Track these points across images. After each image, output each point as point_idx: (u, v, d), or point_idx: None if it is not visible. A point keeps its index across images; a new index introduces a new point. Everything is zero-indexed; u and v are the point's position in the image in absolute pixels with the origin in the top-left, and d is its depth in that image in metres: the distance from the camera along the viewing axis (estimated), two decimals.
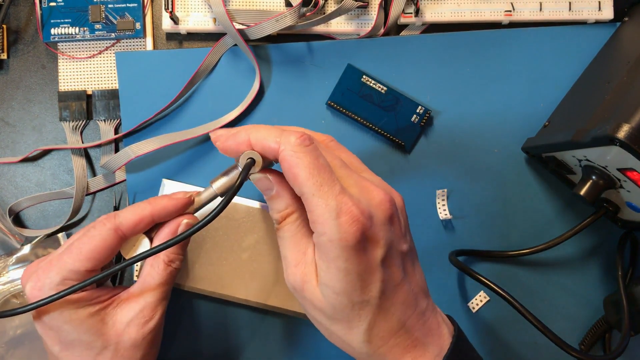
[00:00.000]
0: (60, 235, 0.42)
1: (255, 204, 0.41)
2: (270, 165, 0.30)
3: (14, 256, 0.41)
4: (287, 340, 0.42)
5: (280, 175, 0.29)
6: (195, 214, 0.34)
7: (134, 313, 0.32)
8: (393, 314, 0.28)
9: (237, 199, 0.40)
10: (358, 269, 0.26)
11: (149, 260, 0.32)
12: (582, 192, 0.37)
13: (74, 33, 0.42)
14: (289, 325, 0.42)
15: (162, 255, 0.32)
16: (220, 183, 0.31)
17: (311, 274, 0.28)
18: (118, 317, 0.32)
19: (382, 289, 0.27)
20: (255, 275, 0.40)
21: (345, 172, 0.28)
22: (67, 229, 0.43)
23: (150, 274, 0.32)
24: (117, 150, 0.43)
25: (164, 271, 0.32)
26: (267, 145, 0.28)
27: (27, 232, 0.42)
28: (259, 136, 0.28)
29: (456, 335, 0.30)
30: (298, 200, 0.29)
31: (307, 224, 0.29)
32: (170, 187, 0.41)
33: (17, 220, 0.43)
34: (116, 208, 0.43)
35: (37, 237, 0.42)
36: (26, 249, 0.41)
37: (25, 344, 0.41)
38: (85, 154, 0.43)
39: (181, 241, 0.30)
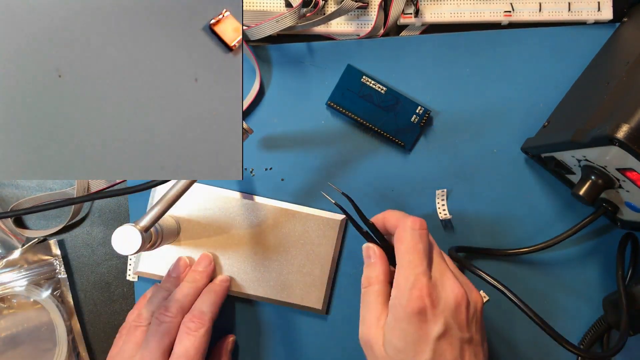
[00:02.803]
0: (52, 242, 0.42)
1: (274, 202, 0.42)
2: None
3: (4, 260, 0.41)
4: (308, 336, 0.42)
5: (382, 251, 0.36)
6: None
7: None
8: None
9: (257, 198, 0.42)
10: (415, 335, 0.32)
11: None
12: (581, 192, 0.37)
13: None
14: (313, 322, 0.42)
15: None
16: None
17: (379, 337, 0.33)
18: None
19: (433, 359, 0.32)
20: (275, 272, 0.41)
21: (440, 261, 0.34)
22: (69, 229, 0.43)
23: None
24: None
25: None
26: (392, 222, 0.36)
27: (28, 233, 0.42)
28: (390, 215, 0.36)
29: None
30: (387, 276, 0.35)
31: (386, 297, 0.35)
32: (201, 189, 0.42)
33: (18, 220, 0.43)
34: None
35: (37, 237, 0.42)
36: (16, 253, 0.41)
37: (12, 346, 0.41)
38: None
39: None
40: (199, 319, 0.36)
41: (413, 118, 0.42)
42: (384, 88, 0.42)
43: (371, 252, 0.36)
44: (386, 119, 0.42)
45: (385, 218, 0.37)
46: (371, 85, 0.42)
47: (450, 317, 0.32)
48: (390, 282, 0.35)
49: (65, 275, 0.42)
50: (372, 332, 0.34)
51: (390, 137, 0.42)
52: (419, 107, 0.42)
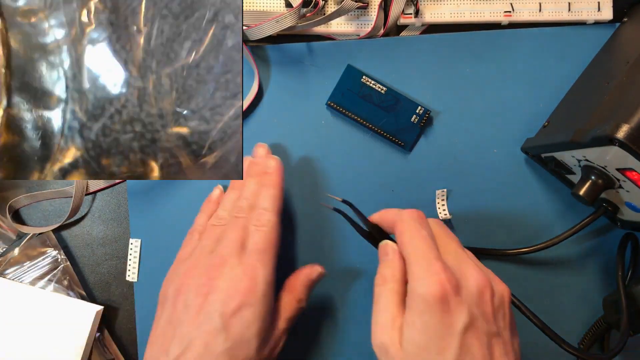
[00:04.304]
0: (49, 233, 0.42)
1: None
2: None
3: (6, 260, 0.41)
4: None
5: (399, 249, 0.33)
6: None
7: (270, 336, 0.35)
8: None
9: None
10: (438, 328, 0.29)
11: (285, 295, 0.37)
12: (581, 192, 0.37)
13: None
14: None
15: (296, 295, 0.37)
16: None
17: (395, 338, 0.30)
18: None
19: (458, 356, 0.28)
20: None
21: (458, 249, 0.33)
22: (66, 228, 0.43)
23: (285, 307, 0.36)
24: None
25: (296, 308, 0.37)
26: (389, 220, 0.35)
27: (27, 230, 0.42)
28: (385, 214, 0.35)
29: None
30: (404, 275, 0.32)
31: (402, 297, 0.32)
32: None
33: (18, 218, 0.43)
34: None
35: (33, 233, 0.42)
36: (16, 251, 0.41)
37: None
38: None
39: None
40: (262, 216, 0.36)
41: (413, 118, 0.42)
42: (384, 88, 0.42)
43: (389, 248, 0.34)
44: (386, 119, 0.42)
45: (381, 218, 0.35)
46: (371, 85, 0.42)
47: (475, 306, 0.29)
48: (406, 282, 0.32)
49: (69, 263, 0.42)
50: (387, 334, 0.31)
51: (390, 137, 0.42)
52: (419, 107, 0.42)
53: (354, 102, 0.42)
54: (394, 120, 0.42)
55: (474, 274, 0.30)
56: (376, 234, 0.35)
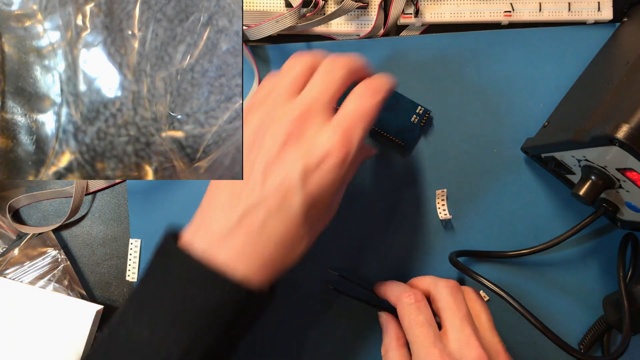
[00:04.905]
0: (49, 233, 0.42)
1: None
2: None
3: (6, 260, 0.41)
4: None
5: (391, 316, 0.38)
6: None
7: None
8: None
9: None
10: None
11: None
12: (581, 192, 0.37)
13: None
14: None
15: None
16: None
17: None
18: None
19: None
20: None
21: (459, 323, 0.34)
22: (66, 228, 0.43)
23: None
24: None
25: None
26: (392, 300, 0.37)
27: (26, 230, 0.42)
28: (389, 292, 0.38)
29: None
30: (401, 340, 0.36)
31: (407, 357, 0.35)
32: None
33: (18, 218, 0.43)
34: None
35: (33, 233, 0.42)
36: (16, 252, 0.41)
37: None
38: None
39: None
40: (374, 82, 0.34)
41: (413, 118, 0.42)
42: None
43: (382, 319, 0.38)
44: (386, 119, 0.42)
45: (385, 293, 0.38)
46: None
47: None
48: (406, 345, 0.35)
49: (69, 263, 0.42)
50: None
51: (390, 137, 0.42)
52: (419, 107, 0.42)
53: None
54: (393, 121, 0.42)
55: (473, 353, 0.32)
56: (377, 307, 0.39)
